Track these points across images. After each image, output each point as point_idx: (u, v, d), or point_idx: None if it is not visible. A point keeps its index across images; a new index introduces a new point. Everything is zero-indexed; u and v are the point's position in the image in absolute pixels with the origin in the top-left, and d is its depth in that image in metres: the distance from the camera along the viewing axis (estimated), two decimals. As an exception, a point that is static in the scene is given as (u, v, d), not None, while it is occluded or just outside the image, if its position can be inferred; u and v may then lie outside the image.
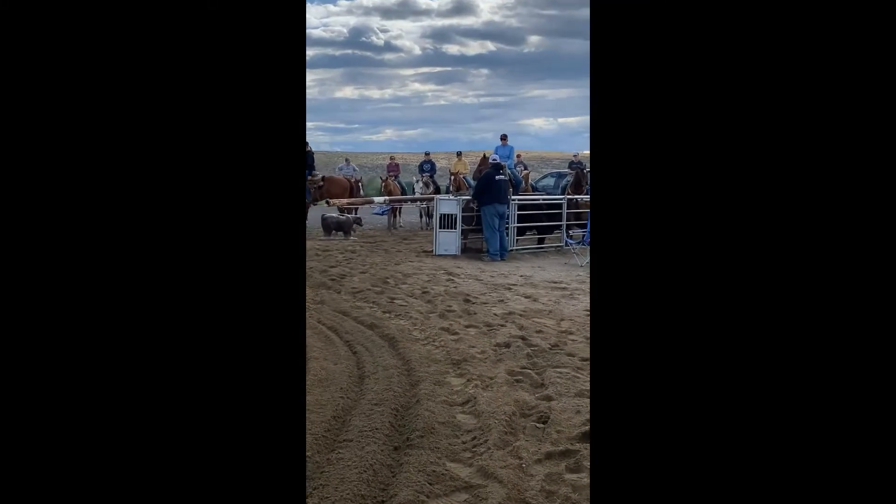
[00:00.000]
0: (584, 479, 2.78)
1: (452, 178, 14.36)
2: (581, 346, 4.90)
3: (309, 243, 10.77)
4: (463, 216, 10.68)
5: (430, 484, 2.79)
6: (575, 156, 17.56)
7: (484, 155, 13.28)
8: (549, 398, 3.76)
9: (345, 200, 13.49)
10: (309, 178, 12.88)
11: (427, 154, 17.37)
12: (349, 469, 2.85)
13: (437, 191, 15.01)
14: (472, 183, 12.59)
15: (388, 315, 6.15)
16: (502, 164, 10.94)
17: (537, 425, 3.40)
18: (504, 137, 13.66)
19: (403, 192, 15.81)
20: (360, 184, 15.00)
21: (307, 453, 2.89)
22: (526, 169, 15.57)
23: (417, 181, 15.81)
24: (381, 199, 14.63)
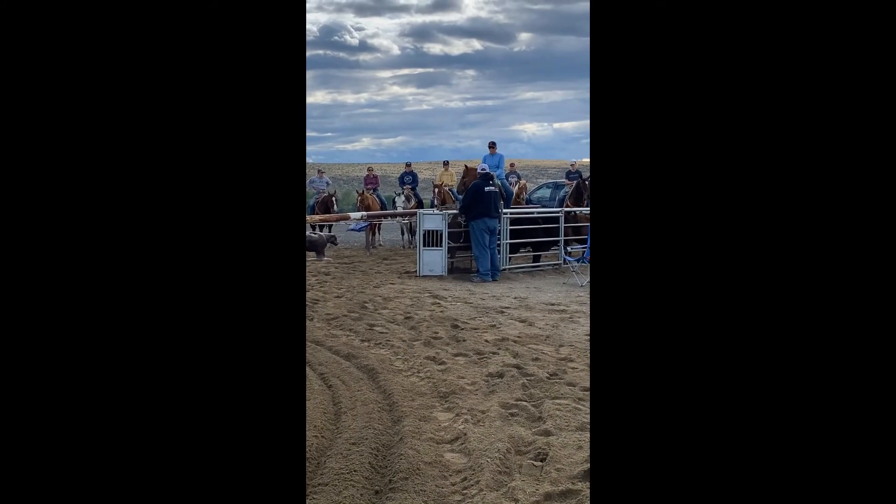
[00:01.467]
0: (589, 523, 2.78)
1: (437, 190, 14.43)
2: (582, 374, 4.91)
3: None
4: (449, 232, 10.71)
5: (417, 532, 2.78)
6: (573, 164, 17.73)
7: (466, 166, 13.35)
8: (547, 433, 3.76)
9: (317, 217, 13.48)
10: None
11: (408, 164, 17.45)
12: (325, 516, 2.83)
13: (420, 205, 15.04)
14: (459, 196, 12.65)
15: (366, 344, 6.14)
16: (492, 173, 11.02)
17: (535, 463, 3.40)
18: (492, 145, 13.76)
19: (383, 207, 15.83)
20: (334, 198, 15.04)
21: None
22: (521, 179, 15.68)
23: (398, 194, 15.85)
24: (357, 214, 14.63)
